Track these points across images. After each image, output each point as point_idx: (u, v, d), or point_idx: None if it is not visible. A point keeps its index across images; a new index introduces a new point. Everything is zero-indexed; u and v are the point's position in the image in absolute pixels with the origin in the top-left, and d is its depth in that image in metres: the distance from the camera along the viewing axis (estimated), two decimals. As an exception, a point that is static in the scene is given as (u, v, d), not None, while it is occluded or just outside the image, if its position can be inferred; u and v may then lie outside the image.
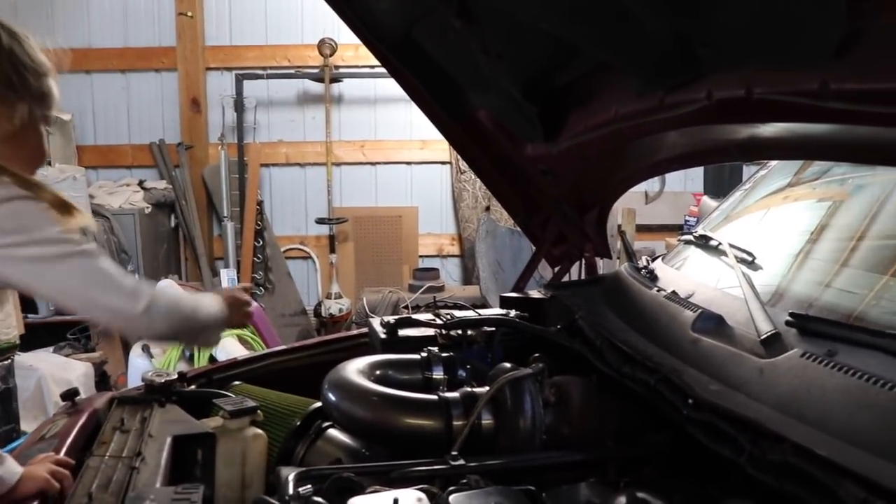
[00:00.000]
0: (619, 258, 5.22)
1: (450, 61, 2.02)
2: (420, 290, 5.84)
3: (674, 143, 1.87)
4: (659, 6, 1.18)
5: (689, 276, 1.87)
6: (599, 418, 1.55)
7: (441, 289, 5.96)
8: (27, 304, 4.89)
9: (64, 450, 1.43)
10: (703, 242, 1.96)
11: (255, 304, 4.57)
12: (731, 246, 1.72)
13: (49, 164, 5.78)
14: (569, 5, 1.29)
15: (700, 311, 1.51)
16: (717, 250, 1.85)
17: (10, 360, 4.11)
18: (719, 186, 5.81)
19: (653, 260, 2.21)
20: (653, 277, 1.96)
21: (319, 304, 6.39)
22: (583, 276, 2.53)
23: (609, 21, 1.28)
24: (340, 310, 6.27)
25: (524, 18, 1.50)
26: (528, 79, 1.80)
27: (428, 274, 6.12)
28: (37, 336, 4.84)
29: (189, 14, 6.45)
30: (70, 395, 1.70)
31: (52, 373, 4.55)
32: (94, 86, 6.56)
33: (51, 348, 4.92)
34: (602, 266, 2.69)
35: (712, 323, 1.48)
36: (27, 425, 4.31)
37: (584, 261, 2.54)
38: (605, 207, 2.40)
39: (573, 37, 1.45)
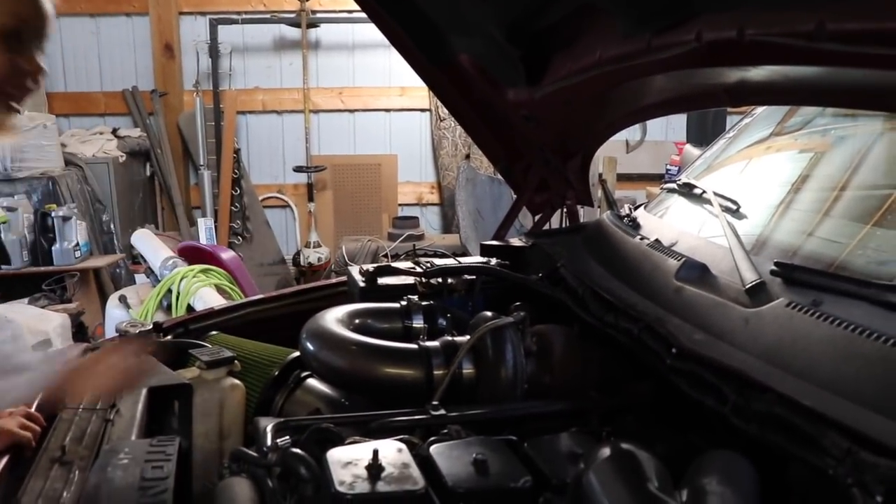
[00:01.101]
0: (599, 207, 5.21)
1: (430, 3, 1.96)
2: (400, 239, 5.81)
3: (660, 87, 1.84)
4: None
5: (672, 225, 1.85)
6: (582, 368, 1.54)
7: (421, 237, 5.94)
8: (0, 256, 4.82)
9: (35, 403, 1.40)
10: (687, 190, 1.94)
11: (230, 253, 4.52)
12: (716, 194, 1.70)
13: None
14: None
15: (684, 259, 1.49)
16: (700, 198, 1.82)
17: (-17, 311, 4.07)
18: (702, 135, 5.78)
19: (635, 208, 2.19)
20: (635, 226, 1.94)
21: (298, 254, 6.36)
22: (564, 225, 2.51)
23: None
24: (319, 259, 6.24)
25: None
26: (511, 21, 1.75)
27: (408, 222, 6.09)
28: (12, 288, 4.78)
29: (157, -44, 6.28)
30: (42, 346, 1.67)
31: (28, 324, 4.49)
32: (62, 30, 6.37)
33: (26, 300, 4.85)
34: (583, 214, 2.67)
35: (696, 271, 1.46)
36: (3, 376, 4.27)
37: (565, 209, 2.51)
38: (588, 154, 2.37)
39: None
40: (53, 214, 5.06)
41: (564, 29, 1.73)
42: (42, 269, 5.09)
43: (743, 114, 2.25)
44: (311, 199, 6.46)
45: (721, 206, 1.64)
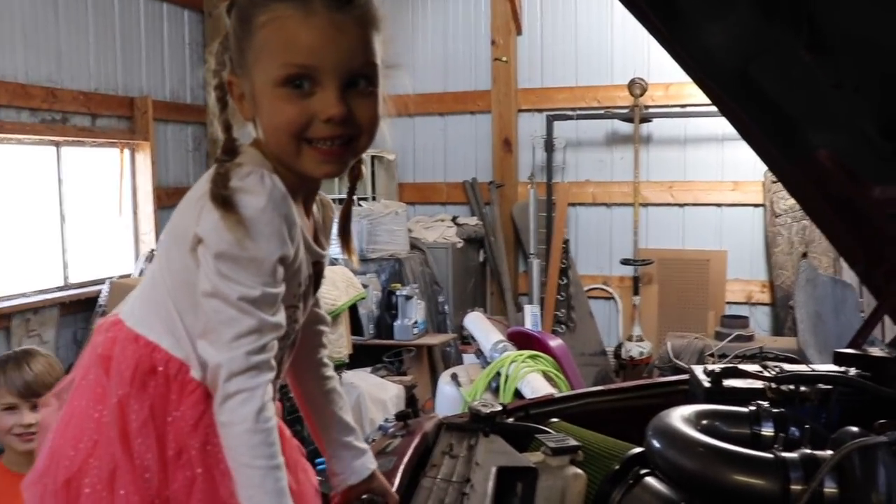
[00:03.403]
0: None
1: (791, 98, 1.90)
2: (728, 339, 5.57)
3: None
4: None
5: None
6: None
7: (751, 338, 5.64)
8: (355, 327, 5.33)
9: (402, 466, 1.51)
10: None
11: (558, 341, 4.61)
12: None
13: (374, 198, 6.31)
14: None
15: None
16: None
17: (339, 377, 4.50)
18: None
19: None
20: None
21: (620, 346, 6.32)
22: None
23: None
24: (641, 353, 6.15)
25: (892, 46, 1.37)
26: (889, 114, 1.64)
27: (736, 321, 5.82)
28: (359, 356, 5.25)
29: (504, 59, 6.75)
30: (403, 416, 1.81)
31: (370, 391, 4.91)
32: (415, 128, 7.05)
33: (369, 368, 5.30)
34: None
35: None
36: (347, 438, 4.67)
37: (935, 318, 2.26)
38: (966, 259, 2.12)
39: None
40: (398, 293, 5.53)
41: (951, 122, 1.59)
42: (384, 341, 5.56)
43: None
44: (636, 292, 6.43)
45: None
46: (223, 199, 1.16)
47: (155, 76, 6.26)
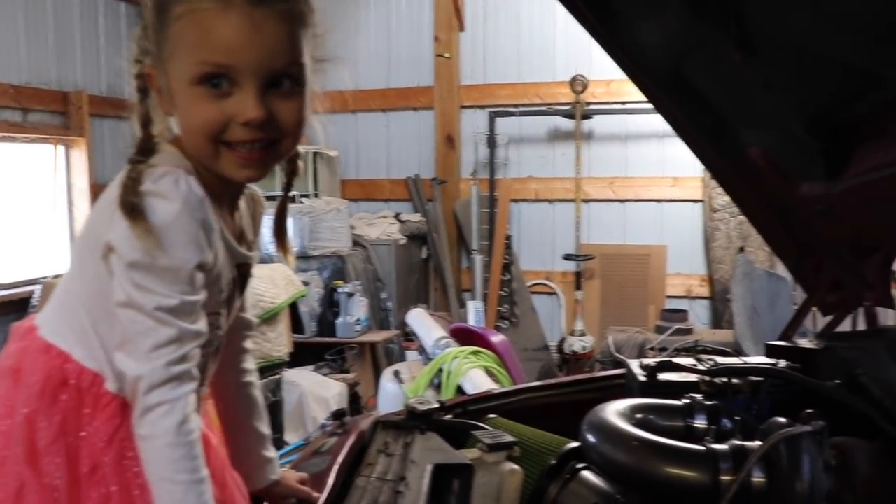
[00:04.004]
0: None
1: (722, 96, 1.93)
2: (668, 332, 5.66)
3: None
4: None
5: None
6: (889, 489, 1.40)
7: (689, 331, 5.74)
8: (295, 325, 5.28)
9: (336, 466, 1.50)
10: None
11: (500, 337, 4.62)
12: None
13: (316, 195, 6.25)
14: (880, 31, 1.18)
15: None
16: None
17: (279, 376, 4.46)
18: None
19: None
20: (950, 333, 1.75)
21: (562, 341, 6.37)
22: (860, 327, 2.32)
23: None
24: (584, 347, 6.21)
25: (817, 48, 1.40)
26: (814, 113, 1.68)
27: (676, 315, 5.92)
28: (300, 355, 5.21)
29: (447, 55, 6.75)
30: (339, 414, 1.79)
31: (312, 390, 4.88)
32: (358, 124, 7.01)
33: (311, 367, 5.27)
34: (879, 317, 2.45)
35: None
36: (289, 436, 4.65)
37: (862, 310, 2.32)
38: (891, 252, 2.18)
39: (881, 66, 1.33)
40: (340, 290, 5.50)
41: (875, 119, 1.63)
42: (327, 339, 5.53)
43: None
44: (578, 287, 6.49)
45: None
46: (132, 207, 1.10)
47: (90, 70, 6.10)
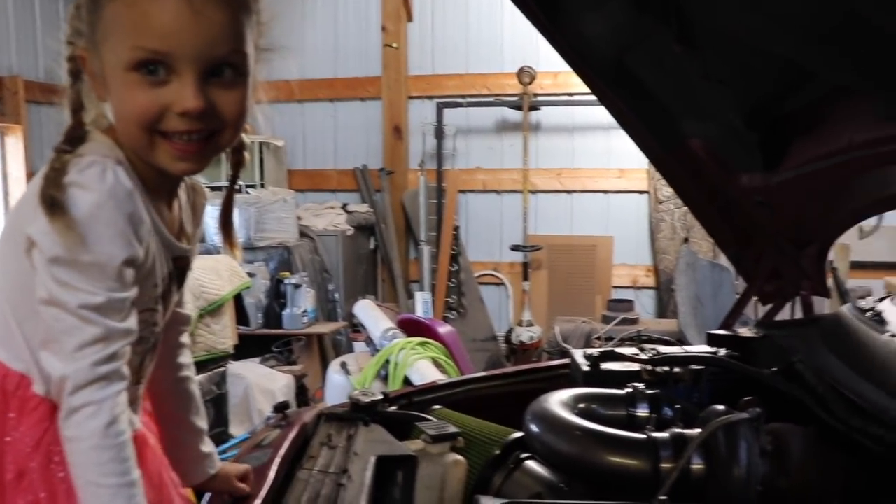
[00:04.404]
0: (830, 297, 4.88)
1: (664, 88, 1.96)
2: (614, 322, 5.72)
3: (914, 175, 1.71)
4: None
5: (926, 322, 1.70)
6: (822, 474, 1.43)
7: (635, 321, 5.82)
8: (240, 317, 5.22)
9: (277, 460, 1.49)
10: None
11: (447, 328, 4.63)
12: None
13: (262, 185, 6.18)
14: (810, 27, 1.20)
15: (946, 362, 1.36)
16: (962, 295, 1.66)
17: (223, 368, 4.41)
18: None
19: (879, 300, 2.03)
20: (881, 320, 1.79)
21: (510, 331, 6.40)
22: (797, 316, 2.37)
23: (856, 42, 1.17)
24: (531, 337, 6.25)
25: (754, 43, 1.42)
26: (752, 106, 1.70)
27: (622, 305, 5.99)
28: (246, 347, 5.14)
29: (394, 45, 6.71)
30: (282, 407, 1.77)
31: (258, 382, 4.83)
32: (305, 114, 6.95)
33: (257, 359, 5.21)
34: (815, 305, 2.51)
35: (962, 377, 1.32)
36: (234, 429, 4.60)
37: (799, 299, 2.37)
38: (827, 242, 2.23)
39: (812, 61, 1.35)
40: (287, 282, 5.45)
41: (809, 112, 1.66)
42: (273, 331, 5.47)
43: None
44: (525, 277, 6.52)
45: None
46: (51, 200, 1.04)
47: (26, 54, 5.91)
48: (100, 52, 1.11)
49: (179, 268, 1.31)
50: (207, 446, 1.49)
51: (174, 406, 1.46)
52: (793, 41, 1.30)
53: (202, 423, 1.49)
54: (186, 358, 1.48)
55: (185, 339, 1.48)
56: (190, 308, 1.51)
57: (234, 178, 1.40)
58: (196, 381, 1.50)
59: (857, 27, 1.14)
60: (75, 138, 1.12)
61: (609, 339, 5.50)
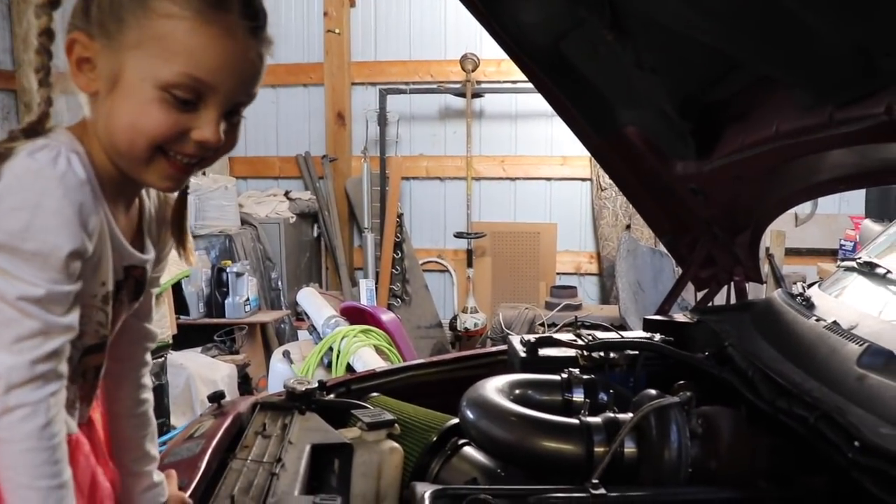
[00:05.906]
0: (765, 283, 5.00)
1: (598, 76, 1.97)
2: (557, 308, 5.76)
3: (839, 162, 1.76)
4: (836, 15, 1.10)
5: (850, 306, 1.74)
6: (750, 454, 1.46)
7: (578, 307, 5.87)
8: (180, 306, 5.13)
9: (210, 449, 1.47)
10: (868, 270, 1.83)
11: (390, 315, 4.62)
12: (903, 275, 1.59)
13: (203, 173, 6.08)
14: (735, 17, 1.22)
15: (867, 344, 1.40)
16: (884, 279, 1.72)
17: (163, 359, 4.33)
18: (884, 209, 5.45)
19: (809, 286, 2.09)
20: (809, 305, 1.84)
21: (455, 318, 6.42)
22: (731, 301, 2.42)
23: (778, 33, 1.20)
24: (476, 324, 6.27)
25: (682, 31, 1.44)
26: (683, 94, 1.73)
27: (565, 292, 6.04)
28: (187, 336, 5.06)
29: (337, 31, 6.65)
30: (216, 397, 1.75)
31: (200, 372, 4.76)
32: (246, 100, 6.83)
33: (199, 349, 5.14)
34: (749, 291, 2.57)
35: (881, 358, 1.36)
36: (176, 420, 4.53)
37: (733, 285, 2.42)
38: (759, 229, 2.28)
39: (737, 50, 1.38)
40: (228, 270, 5.38)
41: (738, 102, 1.70)
42: (215, 320, 5.39)
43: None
44: (469, 264, 6.54)
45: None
46: None
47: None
48: (120, 54, 1.07)
49: (134, 277, 1.25)
50: (158, 476, 1.43)
51: (131, 427, 1.38)
52: (718, 31, 1.32)
53: (156, 450, 1.43)
54: (148, 380, 1.42)
55: (148, 357, 1.42)
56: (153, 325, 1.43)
57: (185, 184, 1.34)
58: (152, 405, 1.44)
59: (779, 19, 1.17)
60: (34, 130, 1.09)
61: (552, 325, 5.55)
